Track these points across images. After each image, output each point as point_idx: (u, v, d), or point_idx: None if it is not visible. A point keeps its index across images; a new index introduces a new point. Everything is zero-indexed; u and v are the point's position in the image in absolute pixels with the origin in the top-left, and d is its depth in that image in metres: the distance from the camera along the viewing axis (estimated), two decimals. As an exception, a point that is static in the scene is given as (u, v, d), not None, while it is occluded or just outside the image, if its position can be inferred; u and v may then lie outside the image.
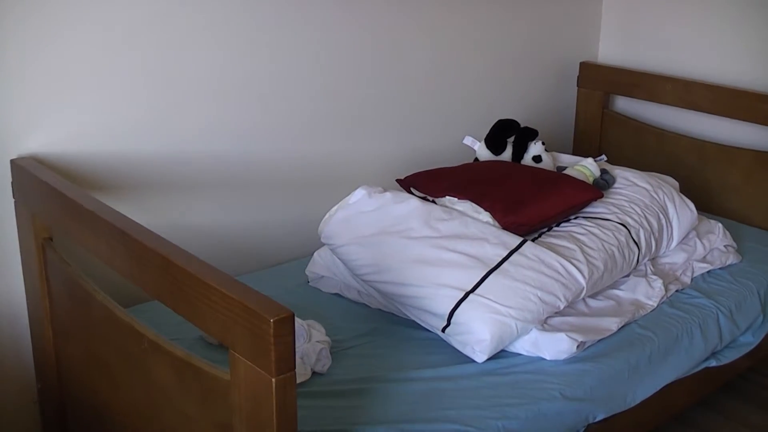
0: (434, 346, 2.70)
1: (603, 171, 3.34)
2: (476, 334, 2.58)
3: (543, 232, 3.00)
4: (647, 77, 4.07)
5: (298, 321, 2.55)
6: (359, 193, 2.99)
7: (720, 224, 3.45)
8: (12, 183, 2.63)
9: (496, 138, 3.46)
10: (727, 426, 3.35)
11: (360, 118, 3.51)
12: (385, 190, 3.01)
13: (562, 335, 2.64)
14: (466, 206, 2.98)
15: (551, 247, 2.84)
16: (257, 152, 3.22)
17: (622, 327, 2.83)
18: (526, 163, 3.42)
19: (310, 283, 3.10)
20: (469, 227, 2.84)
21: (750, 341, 3.19)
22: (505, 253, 2.74)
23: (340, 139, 3.46)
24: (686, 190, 3.53)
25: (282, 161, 3.30)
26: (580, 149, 4.31)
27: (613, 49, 4.35)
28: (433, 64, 3.71)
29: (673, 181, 3.51)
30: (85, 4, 2.68)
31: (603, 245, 2.93)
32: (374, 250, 2.81)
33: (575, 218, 3.09)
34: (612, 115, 4.26)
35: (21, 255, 2.69)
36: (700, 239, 3.34)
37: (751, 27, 3.82)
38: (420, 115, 3.72)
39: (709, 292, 3.13)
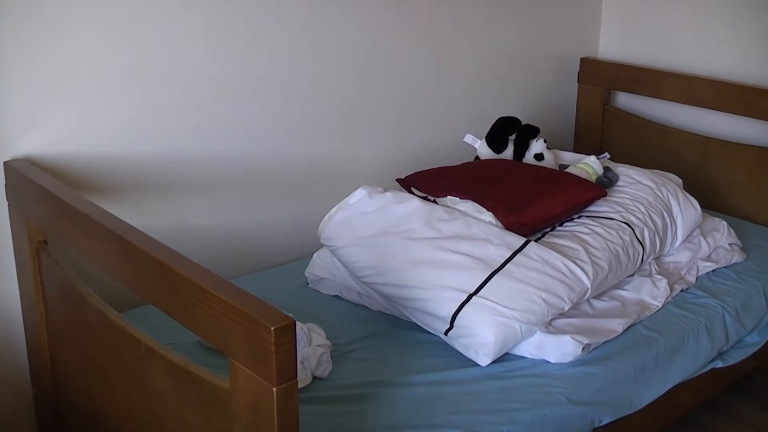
0: (437, 350, 2.66)
1: (606, 169, 3.31)
2: (480, 337, 2.54)
3: (546, 232, 2.96)
4: (649, 73, 4.04)
5: (298, 325, 2.50)
6: (359, 194, 2.95)
7: (724, 222, 3.41)
8: (5, 185, 2.60)
9: (497, 136, 3.42)
10: (734, 427, 3.32)
11: (359, 117, 3.48)
12: (386, 190, 2.97)
13: (566, 338, 2.60)
14: (468, 206, 2.94)
15: (555, 248, 2.80)
16: (256, 152, 3.19)
17: (628, 328, 2.80)
18: (527, 162, 3.39)
19: (309, 285, 3.06)
20: (472, 228, 2.80)
21: (756, 341, 3.15)
22: (508, 254, 2.70)
23: (339, 139, 3.43)
24: (689, 186, 3.50)
25: (281, 161, 3.27)
26: (581, 146, 4.28)
27: (613, 44, 4.31)
28: (433, 61, 3.68)
29: (677, 178, 3.48)
30: (82, 6, 2.65)
31: (607, 245, 2.89)
32: (375, 252, 2.77)
33: (578, 217, 3.05)
34: (613, 111, 4.23)
35: (15, 258, 2.66)
36: (704, 237, 3.31)
37: (755, 22, 3.78)
38: (420, 114, 3.69)
39: (715, 292, 3.10)
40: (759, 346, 3.16)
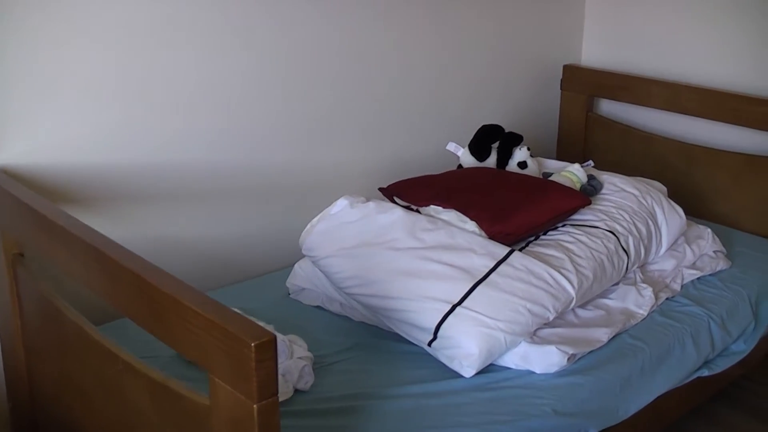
0: (420, 361, 2.63)
1: (590, 177, 3.29)
2: (464, 348, 2.51)
3: (530, 241, 2.94)
4: (632, 80, 4.03)
5: (279, 337, 2.49)
6: (341, 204, 2.92)
7: (709, 229, 3.40)
8: (-19, 197, 2.55)
9: (480, 144, 3.40)
10: (720, 435, 3.31)
11: (341, 125, 3.45)
12: (368, 200, 2.95)
13: (552, 348, 2.58)
14: (452, 216, 2.91)
15: (539, 257, 2.78)
16: (235, 161, 3.16)
17: (613, 337, 2.77)
18: (511, 170, 3.37)
19: (291, 296, 3.03)
20: (455, 237, 2.77)
21: (742, 349, 3.13)
22: (492, 264, 2.68)
23: (321, 147, 3.40)
24: (674, 194, 3.48)
25: (262, 170, 3.24)
26: (564, 153, 4.26)
27: (596, 51, 4.30)
28: (415, 68, 3.65)
29: (661, 186, 3.46)
30: (55, 16, 2.61)
31: (592, 253, 2.87)
32: (357, 262, 2.74)
33: (563, 226, 3.03)
34: (596, 118, 4.21)
35: (-9, 271, 2.61)
36: (689, 245, 3.30)
37: (739, 29, 3.77)
38: (402, 121, 3.67)
39: (700, 300, 3.08)
40: (745, 354, 3.14)
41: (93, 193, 2.83)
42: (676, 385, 2.87)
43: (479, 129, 3.44)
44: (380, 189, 3.16)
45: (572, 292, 2.71)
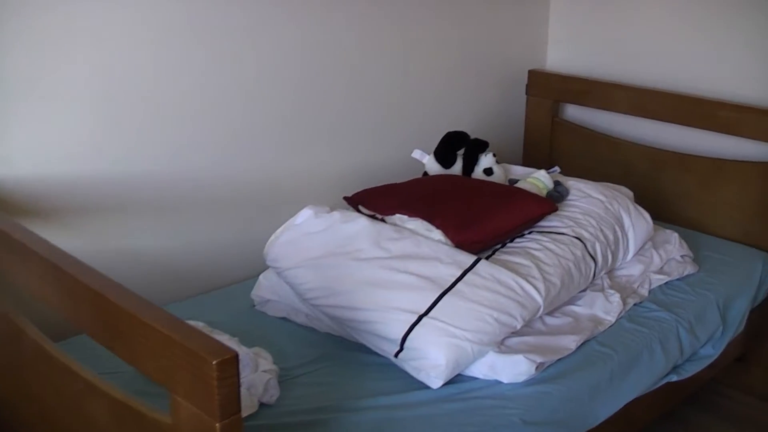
0: (388, 372, 2.60)
1: (556, 183, 3.28)
2: (431, 359, 2.48)
3: (497, 249, 2.92)
4: (597, 85, 4.02)
5: (243, 349, 2.46)
6: (305, 213, 2.90)
7: (676, 234, 3.40)
8: (-65, 211, 2.51)
9: (445, 151, 3.39)
10: (691, 438, 3.32)
11: (304, 134, 3.42)
12: (333, 210, 2.92)
13: (519, 357, 2.55)
14: (417, 224, 2.89)
15: (506, 265, 2.76)
16: (198, 171, 3.12)
17: (581, 345, 2.76)
18: (476, 176, 3.36)
19: (256, 307, 2.99)
20: (421, 247, 2.75)
21: (711, 353, 3.14)
22: (458, 273, 2.65)
23: (285, 156, 3.37)
24: (641, 198, 3.48)
25: (225, 180, 3.21)
26: (530, 159, 4.25)
27: (561, 56, 4.29)
28: (379, 75, 3.63)
29: (628, 191, 3.46)
30: (18, 24, 2.57)
31: (559, 261, 2.85)
32: (322, 273, 2.71)
33: (529, 233, 3.01)
34: (563, 123, 4.20)
35: (-54, 287, 2.57)
36: (656, 250, 3.29)
37: (703, 33, 3.77)
38: (366, 129, 3.64)
39: (668, 305, 3.08)
40: (713, 359, 3.15)
41: (52, 206, 2.78)
42: (646, 391, 2.86)
43: (444, 136, 3.43)
44: (345, 198, 3.14)
45: (539, 300, 2.70)
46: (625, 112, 3.96)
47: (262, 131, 3.28)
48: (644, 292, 3.12)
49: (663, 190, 3.84)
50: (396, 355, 2.55)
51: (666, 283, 3.21)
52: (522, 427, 2.40)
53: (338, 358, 2.70)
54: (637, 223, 3.22)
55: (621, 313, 2.95)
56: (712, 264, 3.40)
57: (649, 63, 3.95)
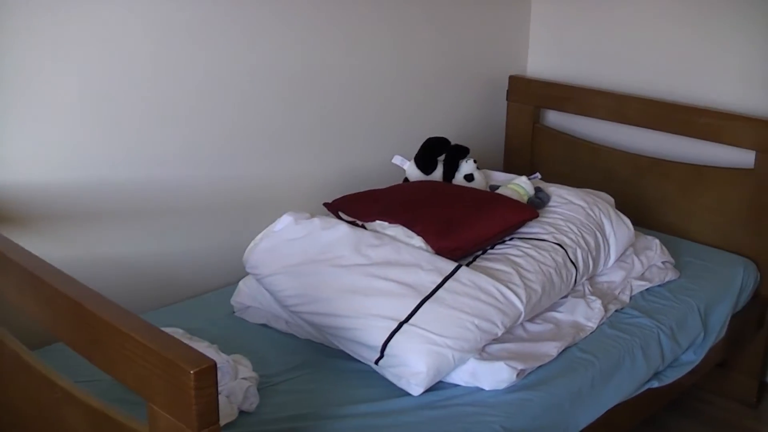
0: (368, 379, 2.59)
1: (537, 189, 3.27)
2: (411, 366, 2.47)
3: (478, 256, 2.91)
4: (578, 91, 4.02)
5: (223, 357, 2.44)
6: (285, 220, 2.88)
7: (657, 240, 3.39)
8: None
9: (426, 157, 3.38)
10: (672, 445, 3.32)
11: (284, 140, 3.41)
12: (313, 216, 2.91)
13: (501, 364, 2.54)
14: (398, 231, 2.88)
15: (487, 272, 2.75)
16: (177, 177, 3.10)
17: (563, 351, 2.75)
18: (457, 183, 3.35)
19: (235, 314, 2.97)
20: (402, 253, 2.74)
21: (692, 359, 3.14)
22: (439, 280, 2.64)
23: (265, 162, 3.36)
24: (621, 203, 3.48)
25: (204, 186, 3.19)
26: (511, 165, 4.24)
27: (542, 62, 4.29)
28: (359, 80, 3.62)
29: (609, 197, 3.45)
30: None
31: (540, 267, 2.85)
32: (302, 280, 2.70)
33: (510, 239, 3.00)
34: (543, 129, 4.20)
35: None
36: (637, 256, 3.29)
37: (683, 40, 3.77)
38: (347, 135, 3.63)
39: (649, 311, 3.08)
40: (695, 365, 3.15)
41: (31, 213, 2.76)
42: (627, 397, 2.85)
43: (425, 142, 3.42)
44: (325, 204, 3.13)
45: (521, 306, 2.69)
46: (606, 119, 3.96)
47: (243, 138, 3.26)
48: (625, 298, 3.12)
49: (644, 196, 3.84)
50: (376, 362, 2.54)
51: (647, 289, 3.21)
52: (503, 434, 2.40)
53: (319, 365, 2.68)
54: (618, 229, 3.22)
55: (602, 319, 2.94)
56: (693, 270, 3.40)
57: (630, 69, 3.96)
